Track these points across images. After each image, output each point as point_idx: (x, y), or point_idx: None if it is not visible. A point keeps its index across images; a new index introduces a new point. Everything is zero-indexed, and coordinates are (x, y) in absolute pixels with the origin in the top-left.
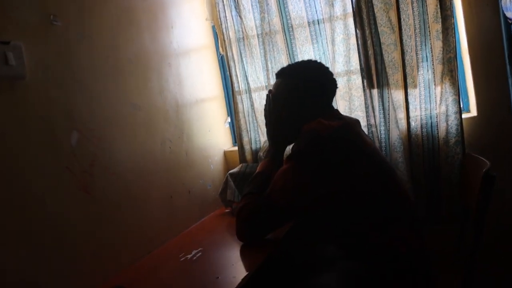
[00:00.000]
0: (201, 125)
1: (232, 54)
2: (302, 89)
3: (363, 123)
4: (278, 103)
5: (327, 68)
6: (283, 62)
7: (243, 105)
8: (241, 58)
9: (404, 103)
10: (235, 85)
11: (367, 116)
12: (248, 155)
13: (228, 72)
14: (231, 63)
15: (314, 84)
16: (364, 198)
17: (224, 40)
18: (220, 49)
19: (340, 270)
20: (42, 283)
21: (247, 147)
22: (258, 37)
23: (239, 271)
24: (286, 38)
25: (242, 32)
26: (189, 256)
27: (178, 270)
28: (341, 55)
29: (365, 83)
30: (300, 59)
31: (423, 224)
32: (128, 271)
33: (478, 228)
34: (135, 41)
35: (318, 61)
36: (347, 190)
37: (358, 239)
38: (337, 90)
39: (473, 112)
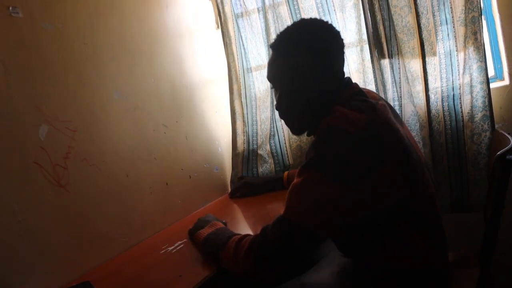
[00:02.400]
0: (206, 107)
1: (228, 30)
2: (305, 62)
3: None
4: (280, 87)
5: (327, 23)
6: None
7: (238, 85)
8: (240, 34)
9: (422, 74)
10: (231, 64)
11: (377, 91)
12: (241, 145)
13: (224, 51)
14: (227, 40)
15: (318, 51)
16: (389, 207)
17: (220, 15)
18: (215, 25)
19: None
20: (7, 279)
21: (239, 133)
22: (259, 11)
23: (206, 268)
24: (291, 9)
25: (240, 5)
26: (170, 248)
27: (151, 264)
28: (352, 22)
29: (373, 53)
30: None
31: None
32: (105, 265)
33: (492, 220)
34: (118, 26)
35: (316, 18)
36: (375, 199)
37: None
38: (351, 62)
39: (507, 80)
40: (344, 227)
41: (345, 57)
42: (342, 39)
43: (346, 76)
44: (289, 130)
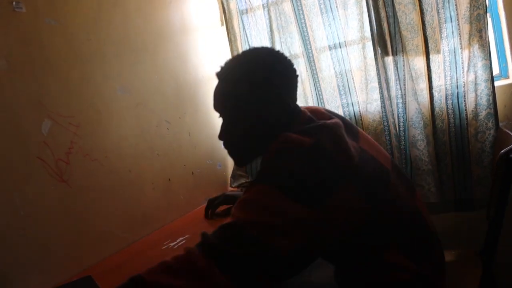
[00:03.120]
0: (210, 103)
1: (233, 26)
2: (248, 93)
3: (378, 95)
4: (223, 117)
5: (278, 53)
6: (292, 32)
7: None
8: (245, 31)
9: (426, 71)
10: None
11: (380, 88)
12: None
13: (229, 47)
14: (232, 37)
15: (262, 82)
16: (350, 225)
17: (225, 12)
18: (220, 22)
19: None
20: (9, 273)
21: None
22: (263, 7)
23: None
24: (294, 6)
25: (245, 2)
26: (172, 244)
27: (153, 260)
28: (355, 19)
29: (377, 50)
30: (308, 28)
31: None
32: (107, 261)
33: (495, 218)
34: (122, 22)
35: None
36: (336, 219)
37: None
38: (353, 60)
39: None
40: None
41: (342, 52)
42: (294, 70)
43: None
44: (233, 161)
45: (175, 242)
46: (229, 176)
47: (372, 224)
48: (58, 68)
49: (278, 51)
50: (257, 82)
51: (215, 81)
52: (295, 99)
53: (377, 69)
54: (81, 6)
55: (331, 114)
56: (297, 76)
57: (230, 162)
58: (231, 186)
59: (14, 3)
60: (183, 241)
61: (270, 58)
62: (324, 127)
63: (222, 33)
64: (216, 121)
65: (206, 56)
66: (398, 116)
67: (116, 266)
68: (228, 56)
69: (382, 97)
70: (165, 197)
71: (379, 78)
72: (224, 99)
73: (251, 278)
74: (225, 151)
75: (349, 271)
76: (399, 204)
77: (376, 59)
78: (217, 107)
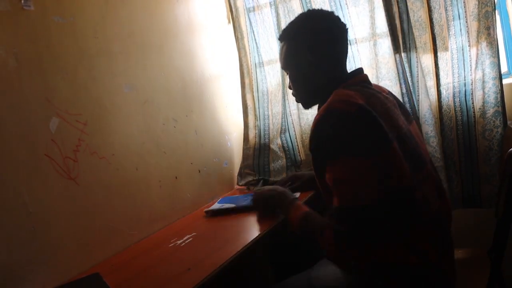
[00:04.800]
0: (217, 101)
1: (240, 24)
2: (311, 47)
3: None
4: (291, 72)
5: (332, 14)
6: None
7: (250, 80)
8: (252, 29)
9: (434, 69)
10: (243, 58)
11: (400, 84)
12: (252, 139)
13: (236, 45)
14: (239, 35)
15: (321, 37)
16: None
17: (232, 10)
18: (227, 19)
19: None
20: (18, 270)
21: (251, 127)
22: (271, 5)
23: (215, 263)
24: (302, 3)
25: (252, 0)
26: (179, 241)
27: (159, 257)
28: (366, 16)
29: (399, 46)
30: None
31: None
32: (114, 258)
33: (504, 217)
34: (129, 19)
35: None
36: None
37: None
38: (364, 58)
39: None
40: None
41: (353, 49)
42: (346, 30)
43: (359, 67)
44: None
45: (182, 240)
46: (236, 174)
47: (406, 195)
48: (65, 66)
49: (332, 12)
50: (317, 37)
51: (221, 80)
52: (346, 52)
53: (396, 65)
54: (88, 4)
55: (389, 93)
56: (347, 30)
57: (236, 160)
58: (238, 184)
59: (23, 1)
60: (190, 239)
61: (327, 17)
62: (376, 95)
63: (229, 31)
64: (222, 119)
65: (212, 54)
66: (412, 113)
67: (123, 264)
68: (233, 54)
69: (401, 94)
70: (172, 195)
71: (398, 74)
72: (286, 54)
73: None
74: (232, 150)
75: (363, 250)
76: (429, 192)
77: (394, 54)
78: (281, 62)
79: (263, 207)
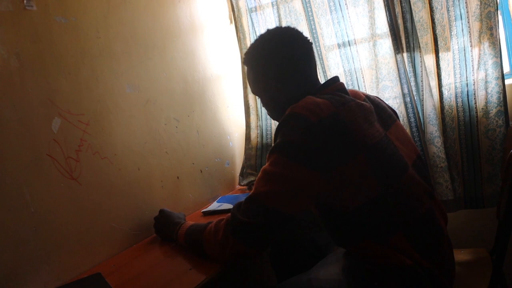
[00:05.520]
0: (218, 102)
1: (242, 24)
2: (274, 73)
3: (393, 94)
4: (261, 96)
5: (293, 30)
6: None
7: None
8: (254, 29)
9: (436, 70)
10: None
11: (396, 85)
12: (254, 139)
13: (238, 45)
14: (241, 35)
15: (282, 61)
16: (358, 201)
17: (233, 10)
18: (229, 20)
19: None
20: (20, 269)
21: (253, 127)
22: (273, 5)
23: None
24: (303, 3)
25: (254, 0)
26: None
27: (161, 257)
28: (365, 16)
29: (402, 46)
30: (317, 26)
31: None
32: (116, 258)
33: (506, 216)
34: (131, 20)
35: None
36: (343, 188)
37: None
38: (363, 59)
39: None
40: (318, 209)
41: (352, 50)
42: (310, 44)
43: (335, 76)
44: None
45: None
46: (238, 174)
47: (379, 205)
48: (67, 66)
49: (293, 28)
50: (278, 59)
51: (223, 80)
52: (314, 68)
53: (397, 64)
54: (90, 4)
55: (366, 98)
56: (311, 44)
57: (238, 160)
58: (239, 184)
59: (25, 1)
60: None
61: (287, 37)
62: (349, 104)
63: (231, 31)
64: (224, 119)
65: (214, 55)
66: (418, 113)
67: (125, 264)
68: (235, 54)
69: (403, 94)
70: (173, 195)
71: (400, 75)
72: (253, 80)
73: (259, 239)
74: (233, 150)
75: (355, 253)
76: (411, 197)
77: (395, 55)
78: (252, 90)
79: (157, 233)
